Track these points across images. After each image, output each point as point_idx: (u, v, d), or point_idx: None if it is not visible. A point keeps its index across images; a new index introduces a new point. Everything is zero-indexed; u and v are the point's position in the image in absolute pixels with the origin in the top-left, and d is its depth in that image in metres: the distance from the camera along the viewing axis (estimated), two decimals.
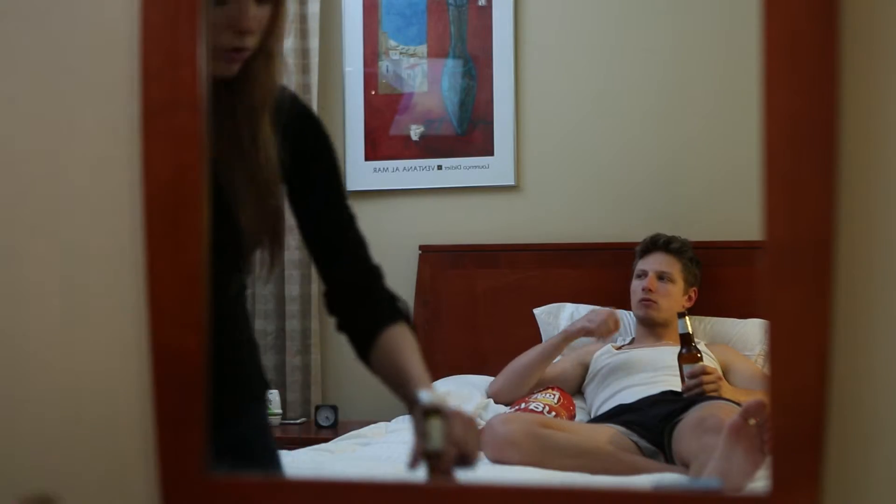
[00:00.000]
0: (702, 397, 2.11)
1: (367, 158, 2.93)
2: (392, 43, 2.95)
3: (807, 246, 0.89)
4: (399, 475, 1.34)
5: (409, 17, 2.95)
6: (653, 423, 2.11)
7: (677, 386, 2.19)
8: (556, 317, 2.68)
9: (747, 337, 2.46)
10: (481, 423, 2.38)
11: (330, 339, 2.75)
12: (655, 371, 2.31)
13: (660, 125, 2.73)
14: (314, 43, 2.88)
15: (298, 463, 1.90)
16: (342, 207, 1.23)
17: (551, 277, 2.75)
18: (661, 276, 2.48)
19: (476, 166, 2.88)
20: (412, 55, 2.94)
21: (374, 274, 1.22)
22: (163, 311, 1.01)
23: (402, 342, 1.20)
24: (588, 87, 2.81)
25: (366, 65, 2.95)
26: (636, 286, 2.51)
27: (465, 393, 2.52)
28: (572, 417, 2.33)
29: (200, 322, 1.01)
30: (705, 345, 2.38)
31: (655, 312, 2.46)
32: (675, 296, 2.48)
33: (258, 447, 1.24)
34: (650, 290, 2.46)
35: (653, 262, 2.50)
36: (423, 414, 1.03)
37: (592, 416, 2.35)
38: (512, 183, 2.85)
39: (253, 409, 1.26)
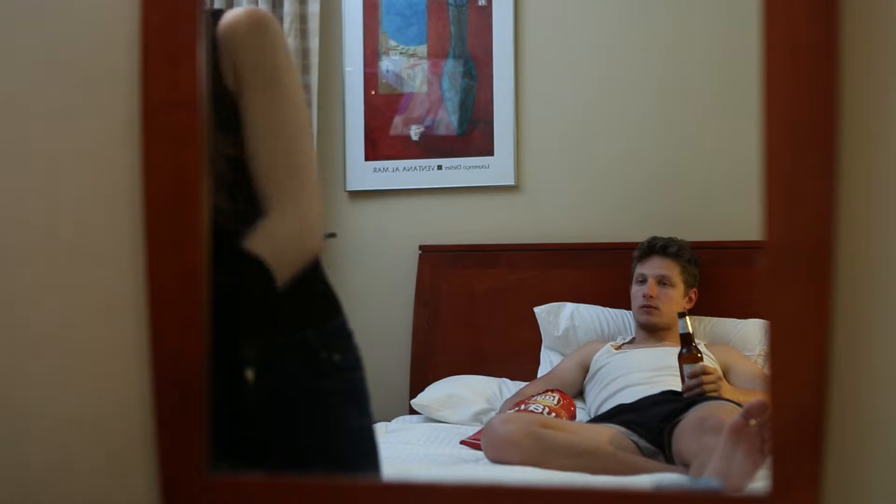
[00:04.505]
0: (702, 397, 2.11)
1: (367, 158, 2.93)
2: (392, 43, 2.95)
3: (807, 246, 0.89)
4: (399, 475, 1.34)
5: (409, 17, 2.95)
6: (653, 423, 2.11)
7: (677, 386, 2.19)
8: (557, 316, 2.68)
9: (747, 337, 2.46)
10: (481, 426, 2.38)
11: None
12: (655, 371, 2.31)
13: (659, 125, 2.73)
14: (314, 43, 2.88)
15: None
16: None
17: (551, 277, 2.75)
18: (662, 281, 2.48)
19: (476, 166, 2.88)
20: (412, 55, 2.94)
21: None
22: (163, 311, 1.01)
23: None
24: (588, 87, 2.81)
25: (366, 65, 2.95)
26: (636, 292, 2.51)
27: (469, 397, 2.52)
28: (572, 418, 2.33)
29: (200, 323, 1.01)
30: (705, 345, 2.38)
31: (657, 319, 2.46)
32: (675, 299, 2.48)
33: None
34: (651, 297, 2.46)
35: (652, 267, 2.50)
36: None
37: (592, 416, 2.35)
38: (512, 183, 2.85)
39: None
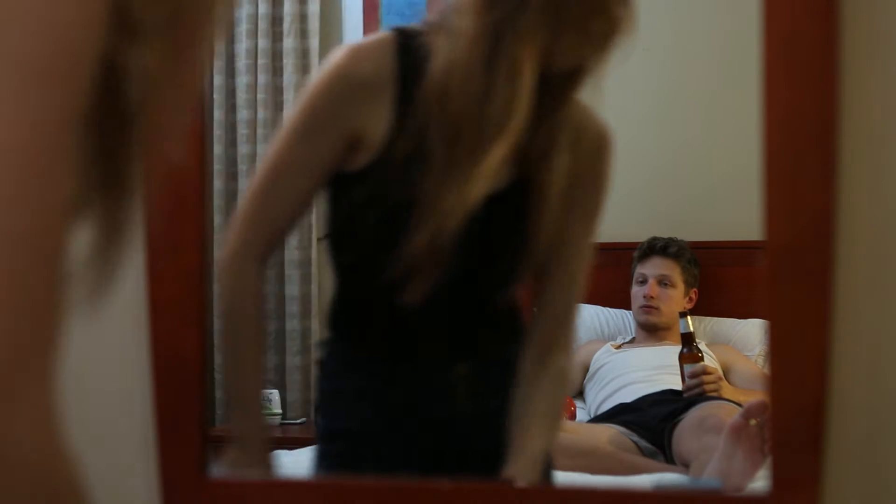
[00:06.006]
0: (702, 397, 2.11)
1: None
2: None
3: (807, 246, 0.89)
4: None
5: (409, 18, 2.94)
6: (653, 422, 2.10)
7: (677, 385, 2.19)
8: None
9: (747, 337, 2.46)
10: None
11: None
12: (656, 369, 2.31)
13: (659, 125, 2.72)
14: (314, 43, 2.87)
15: (298, 463, 1.90)
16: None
17: None
18: (662, 282, 2.48)
19: None
20: None
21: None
22: (163, 311, 1.01)
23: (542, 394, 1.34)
24: (587, 86, 2.80)
25: None
26: (637, 292, 2.51)
27: None
28: (572, 418, 2.33)
29: (201, 322, 1.01)
30: (706, 345, 2.38)
31: (658, 319, 2.46)
32: (676, 300, 2.47)
33: None
34: (652, 297, 2.46)
35: (652, 267, 2.49)
36: None
37: (592, 416, 2.35)
38: None
39: None
